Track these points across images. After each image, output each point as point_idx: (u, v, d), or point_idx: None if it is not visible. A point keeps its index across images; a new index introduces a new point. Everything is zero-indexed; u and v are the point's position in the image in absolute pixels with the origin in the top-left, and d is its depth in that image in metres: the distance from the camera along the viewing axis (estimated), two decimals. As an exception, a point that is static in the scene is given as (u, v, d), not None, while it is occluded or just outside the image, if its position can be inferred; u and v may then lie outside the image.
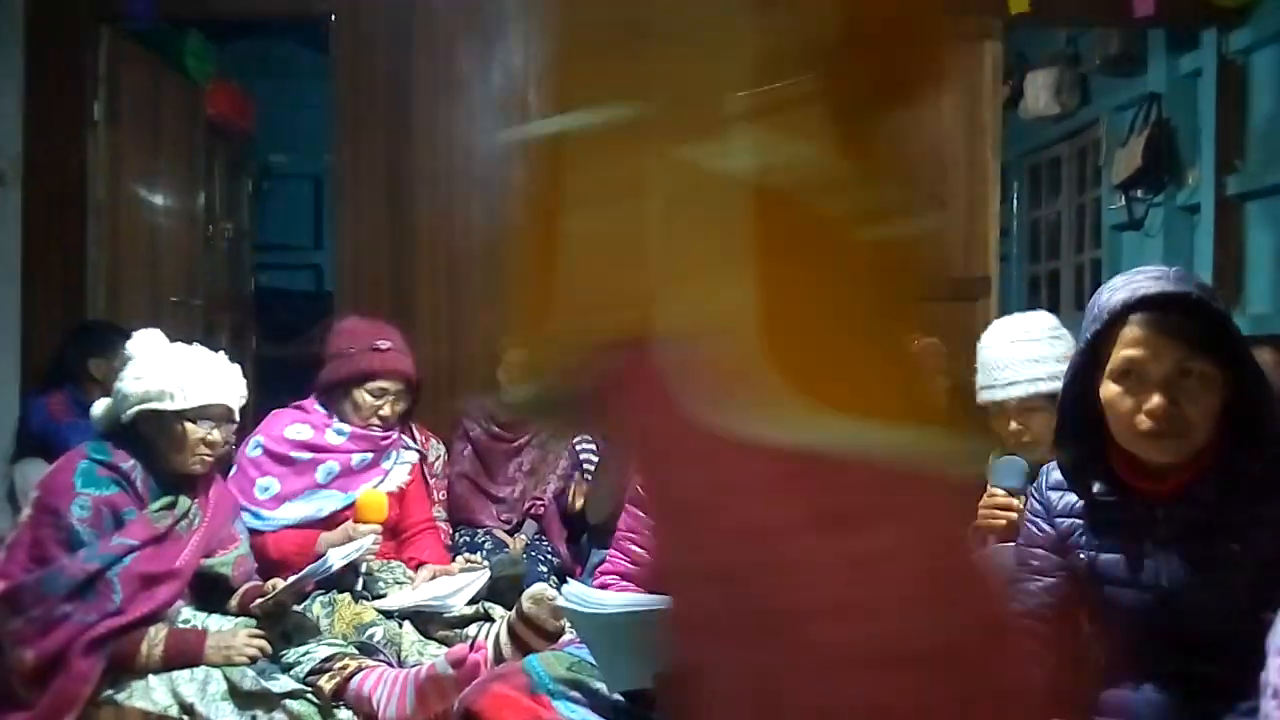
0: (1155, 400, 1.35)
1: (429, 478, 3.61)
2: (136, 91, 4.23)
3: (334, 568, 2.19)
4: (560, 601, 1.48)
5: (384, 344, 2.76)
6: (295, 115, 6.14)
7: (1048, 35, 5.28)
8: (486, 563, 2.96)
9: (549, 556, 3.34)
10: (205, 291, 4.91)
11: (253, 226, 6.07)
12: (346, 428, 2.72)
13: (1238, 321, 4.37)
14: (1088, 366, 1.44)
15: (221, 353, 2.30)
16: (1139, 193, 4.67)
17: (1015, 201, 6.38)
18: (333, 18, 4.04)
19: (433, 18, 4.07)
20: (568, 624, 1.79)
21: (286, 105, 6.11)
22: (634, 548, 1.76)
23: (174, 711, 1.99)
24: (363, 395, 2.72)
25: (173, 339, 2.28)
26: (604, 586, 1.76)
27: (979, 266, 4.16)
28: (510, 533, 3.50)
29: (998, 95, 4.17)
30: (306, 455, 2.65)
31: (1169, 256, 4.53)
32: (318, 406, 2.76)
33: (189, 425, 2.17)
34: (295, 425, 2.69)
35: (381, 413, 2.74)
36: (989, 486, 2.10)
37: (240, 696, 2.00)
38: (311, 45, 5.36)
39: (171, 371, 2.16)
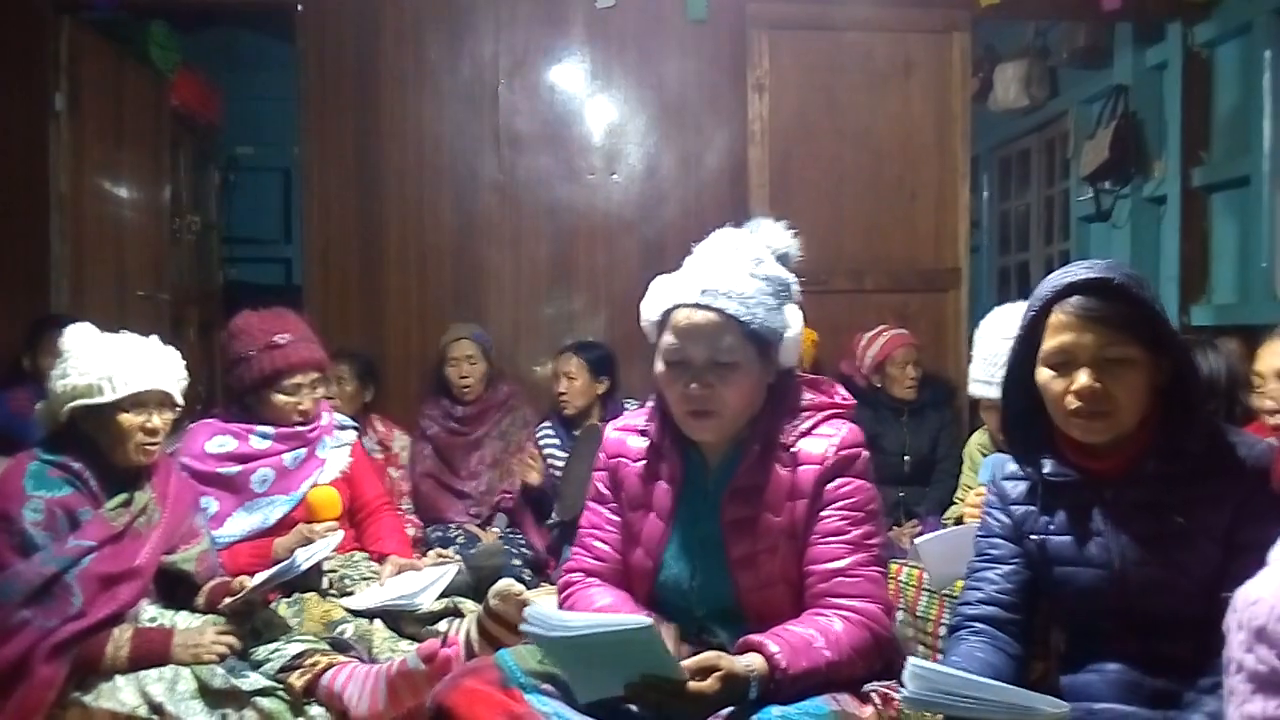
0: (1081, 381, 1.42)
1: (395, 468, 3.59)
2: (99, 82, 4.16)
3: (302, 567, 2.15)
4: (525, 627, 1.46)
5: (282, 338, 2.56)
6: (262, 106, 6.08)
7: (1016, 28, 5.32)
8: (458, 557, 2.94)
9: (522, 549, 3.33)
10: (172, 286, 4.85)
11: (220, 219, 6.01)
12: (269, 429, 2.56)
13: (1203, 311, 4.45)
14: (1026, 354, 1.50)
15: (154, 337, 2.24)
16: (1106, 184, 4.72)
17: (985, 193, 6.43)
18: (299, 8, 4.00)
19: (400, 8, 4.04)
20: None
21: (254, 96, 6.05)
22: (598, 544, 1.75)
23: (143, 712, 1.96)
24: (275, 396, 2.55)
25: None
26: (569, 585, 1.74)
27: (950, 258, 4.19)
28: (481, 526, 3.49)
29: (967, 88, 4.20)
30: (235, 468, 2.50)
31: (1136, 248, 4.59)
32: (236, 413, 2.60)
33: (125, 415, 2.10)
34: (217, 438, 2.54)
35: (301, 407, 2.58)
36: (979, 484, 2.12)
37: (210, 695, 1.97)
38: (278, 36, 5.30)
39: (98, 364, 2.09)
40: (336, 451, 2.67)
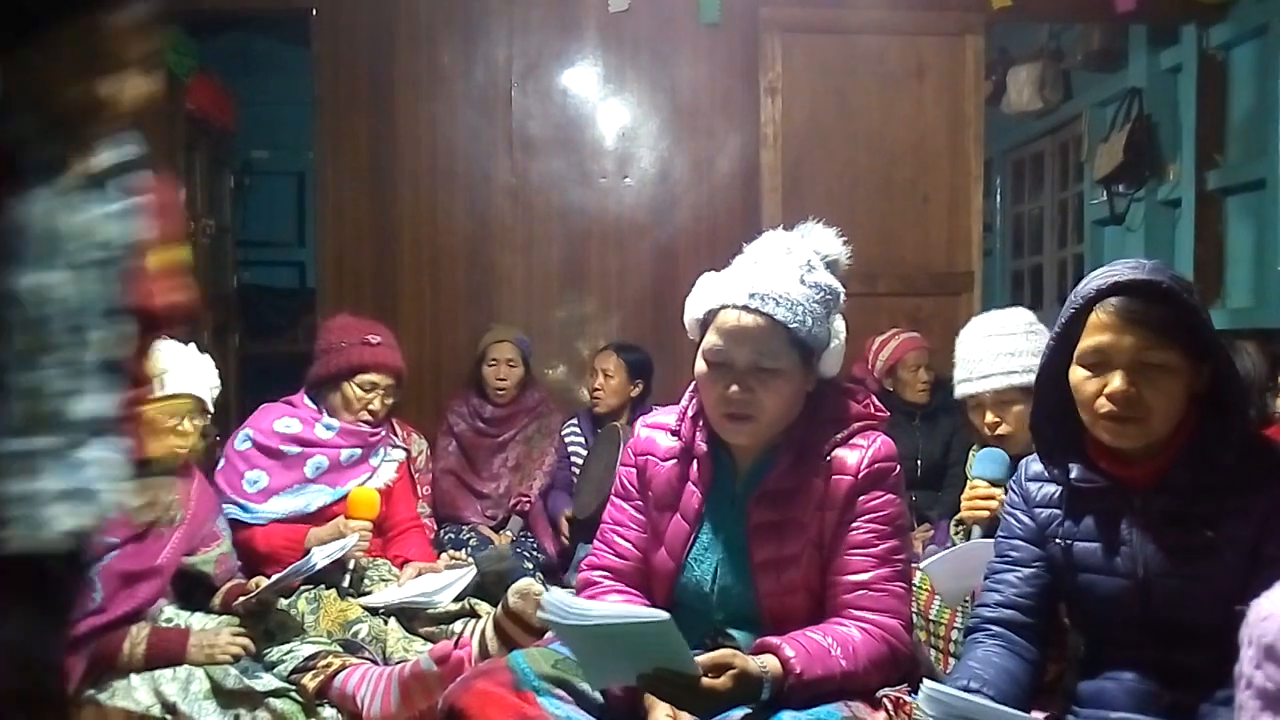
0: (1116, 384, 1.38)
1: (413, 473, 3.61)
2: (116, 87, 4.18)
3: (317, 566, 2.18)
4: (541, 614, 1.47)
5: (374, 339, 2.79)
6: (277, 111, 6.11)
7: (1030, 31, 5.31)
8: (472, 559, 2.95)
9: (535, 553, 3.33)
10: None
11: (235, 223, 6.02)
12: (335, 422, 2.72)
13: (1218, 315, 4.42)
14: (1062, 352, 1.46)
15: (192, 344, 2.27)
16: (1120, 187, 4.70)
17: (998, 197, 6.41)
18: (314, 12, 4.02)
19: (414, 12, 4.06)
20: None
21: (268, 101, 6.07)
22: (619, 541, 1.75)
23: (157, 711, 1.98)
24: (353, 389, 2.74)
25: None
26: (588, 583, 1.74)
27: (962, 261, 4.18)
28: (496, 529, 3.49)
29: (980, 91, 4.19)
30: (295, 449, 2.65)
31: (1150, 251, 4.57)
32: (307, 401, 2.77)
33: (158, 419, 2.14)
34: (284, 419, 2.69)
35: (371, 407, 2.75)
36: (971, 478, 2.12)
37: (223, 695, 1.99)
38: (293, 41, 5.33)
39: None
40: (386, 464, 2.80)
